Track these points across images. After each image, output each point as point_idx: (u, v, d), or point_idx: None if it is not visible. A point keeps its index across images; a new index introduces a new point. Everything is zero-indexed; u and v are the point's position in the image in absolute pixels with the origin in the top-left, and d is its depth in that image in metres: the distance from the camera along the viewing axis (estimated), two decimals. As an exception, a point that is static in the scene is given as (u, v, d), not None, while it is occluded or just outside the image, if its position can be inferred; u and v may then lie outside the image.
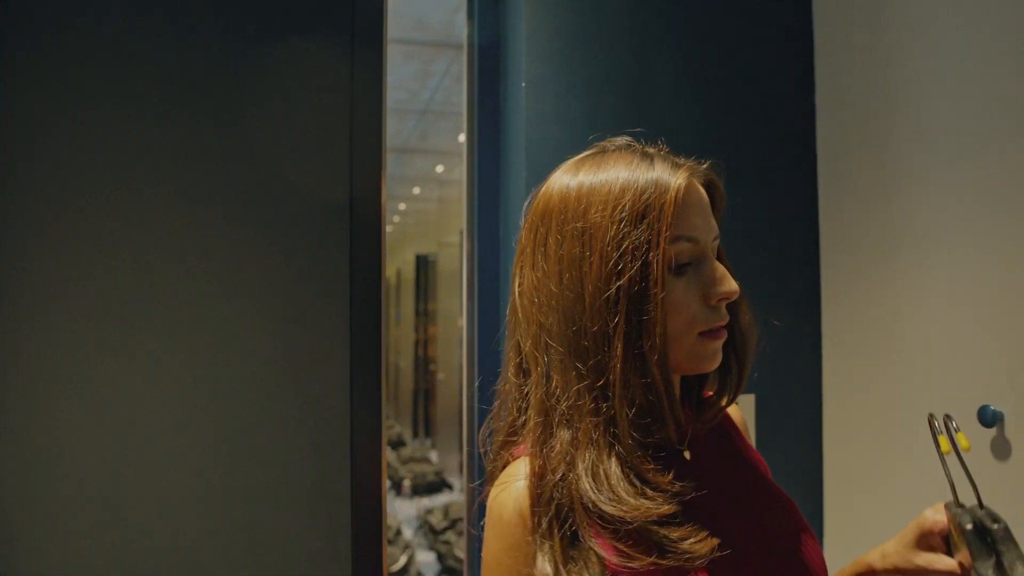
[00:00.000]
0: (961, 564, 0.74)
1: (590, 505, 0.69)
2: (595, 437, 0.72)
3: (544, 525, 0.71)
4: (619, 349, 0.71)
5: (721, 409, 0.82)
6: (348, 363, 1.23)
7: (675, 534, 0.69)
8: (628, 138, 0.82)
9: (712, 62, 1.53)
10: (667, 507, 0.69)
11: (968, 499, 0.76)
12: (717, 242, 0.77)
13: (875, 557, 0.85)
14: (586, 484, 0.70)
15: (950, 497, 0.79)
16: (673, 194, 0.72)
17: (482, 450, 0.85)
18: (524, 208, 0.82)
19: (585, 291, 0.72)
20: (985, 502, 0.75)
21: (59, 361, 1.17)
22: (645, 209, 0.72)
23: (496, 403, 0.83)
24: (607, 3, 1.48)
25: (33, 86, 1.26)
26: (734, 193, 1.29)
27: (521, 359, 0.79)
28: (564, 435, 0.73)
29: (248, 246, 1.23)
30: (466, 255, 1.57)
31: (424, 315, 7.65)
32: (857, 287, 1.45)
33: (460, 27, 1.60)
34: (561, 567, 0.69)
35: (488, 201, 1.52)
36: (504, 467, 0.79)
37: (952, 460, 0.78)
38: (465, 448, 1.54)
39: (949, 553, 0.78)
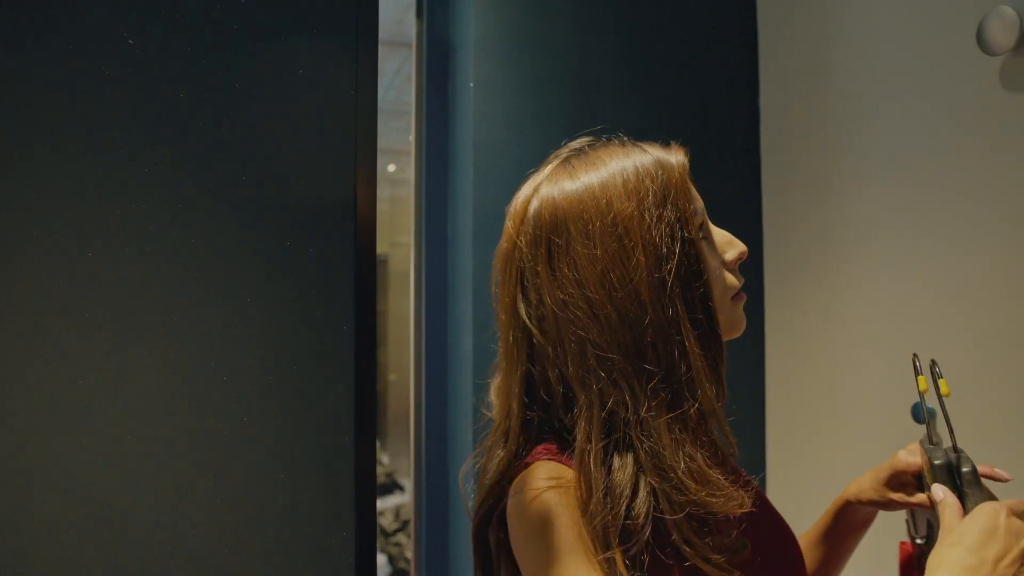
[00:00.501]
0: (930, 499, 0.75)
1: (694, 507, 0.65)
2: (680, 436, 0.67)
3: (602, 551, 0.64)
4: (690, 332, 0.69)
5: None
6: (352, 360, 1.22)
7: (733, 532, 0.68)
8: (589, 137, 0.81)
9: (657, 61, 1.55)
10: (750, 498, 0.67)
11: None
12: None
13: (852, 491, 0.90)
14: (691, 484, 0.65)
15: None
16: (679, 170, 0.73)
17: (464, 493, 0.81)
18: (514, 227, 0.75)
19: (640, 284, 0.68)
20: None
21: (53, 359, 1.14)
22: (664, 189, 0.71)
23: (487, 441, 0.78)
24: (554, 3, 1.49)
25: (25, 83, 1.22)
26: None
27: (554, 387, 0.72)
28: (641, 448, 0.67)
29: (251, 246, 1.19)
30: (414, 256, 1.56)
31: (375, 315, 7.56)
32: (798, 280, 1.48)
33: (410, 26, 1.58)
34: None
35: (437, 202, 1.51)
36: (511, 483, 0.72)
37: (931, 400, 0.81)
38: (412, 450, 1.53)
39: (920, 491, 0.83)
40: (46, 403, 1.12)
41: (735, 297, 0.76)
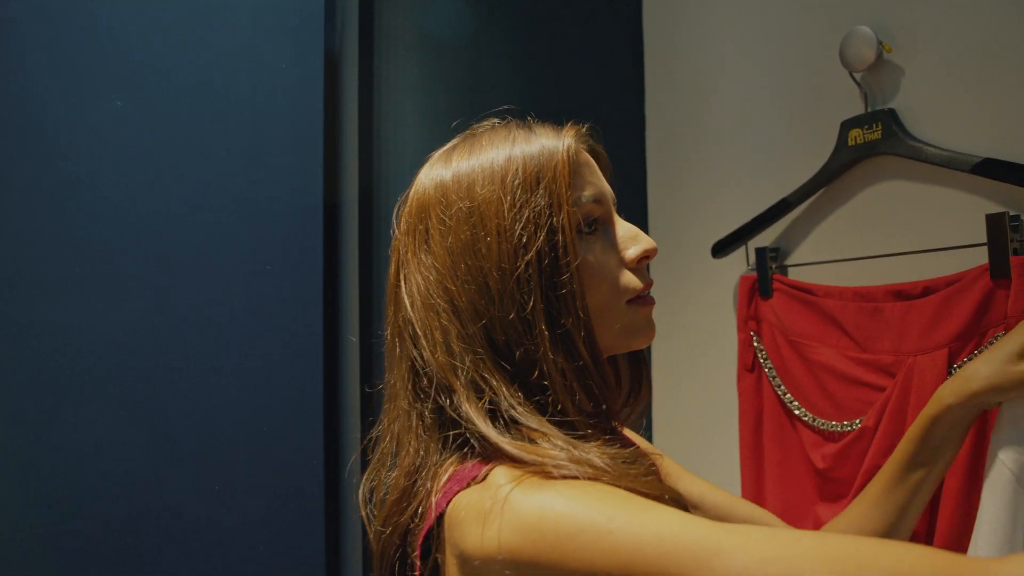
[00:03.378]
0: None
1: None
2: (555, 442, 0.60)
3: None
4: (544, 333, 0.61)
5: (643, 404, 0.76)
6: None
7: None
8: (495, 119, 0.74)
9: (544, 61, 1.56)
10: (645, 469, 0.61)
11: None
12: (616, 205, 0.71)
13: (949, 392, 0.75)
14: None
15: None
16: (564, 154, 0.66)
17: (366, 513, 0.68)
18: (395, 217, 0.73)
19: (488, 277, 0.62)
20: None
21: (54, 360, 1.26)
22: (538, 173, 0.64)
23: (379, 452, 0.70)
24: (444, 3, 1.48)
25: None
26: None
27: (428, 378, 0.64)
28: (527, 445, 0.59)
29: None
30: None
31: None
32: (681, 286, 1.53)
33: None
34: None
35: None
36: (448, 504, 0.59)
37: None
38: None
39: None
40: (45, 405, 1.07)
41: (633, 301, 0.67)
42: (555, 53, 1.58)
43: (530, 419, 0.60)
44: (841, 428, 1.11)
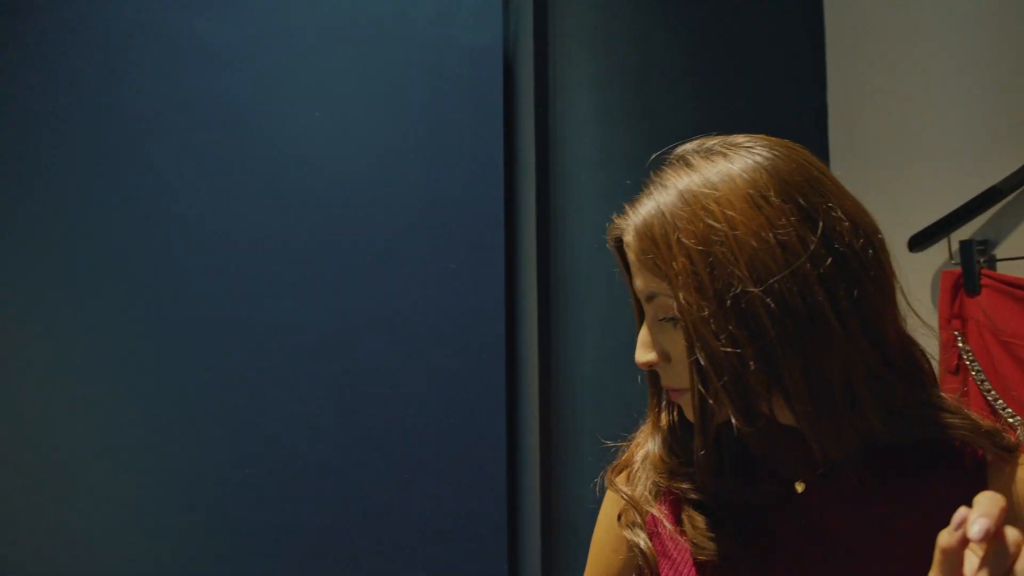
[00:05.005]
0: None
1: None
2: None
3: None
4: None
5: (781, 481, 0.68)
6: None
7: (699, 521, 0.68)
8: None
9: (720, 55, 1.52)
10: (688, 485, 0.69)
11: None
12: (658, 299, 0.65)
13: None
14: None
15: None
16: (611, 245, 0.72)
17: None
18: None
19: None
20: None
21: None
22: None
23: None
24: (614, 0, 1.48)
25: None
26: None
27: None
28: None
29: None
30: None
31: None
32: None
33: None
34: None
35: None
36: None
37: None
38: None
39: None
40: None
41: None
42: (730, 43, 1.53)
43: None
44: (1062, 439, 1.00)
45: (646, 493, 0.73)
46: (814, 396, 0.60)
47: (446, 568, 1.34)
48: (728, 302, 0.59)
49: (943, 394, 0.67)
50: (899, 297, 0.67)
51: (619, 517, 0.75)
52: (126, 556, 1.34)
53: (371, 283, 1.39)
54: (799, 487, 0.67)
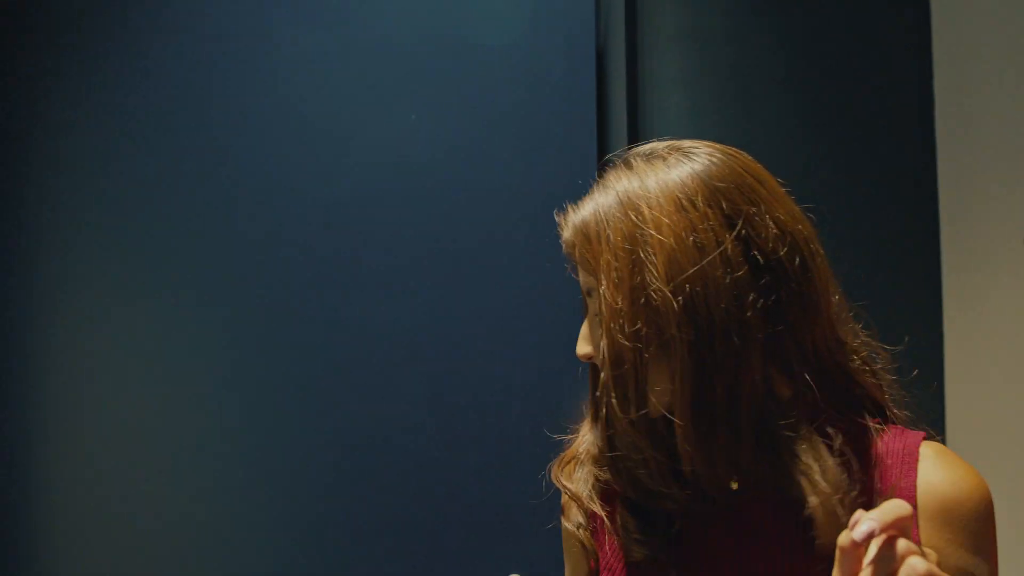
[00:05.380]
0: None
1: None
2: None
3: None
4: None
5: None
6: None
7: (630, 522, 0.70)
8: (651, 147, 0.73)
9: (817, 47, 1.46)
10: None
11: None
12: (594, 295, 0.68)
13: None
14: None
15: None
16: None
17: None
18: None
19: None
20: None
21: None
22: None
23: None
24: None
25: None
26: (842, 198, 1.36)
27: None
28: None
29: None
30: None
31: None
32: (983, 296, 1.37)
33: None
34: None
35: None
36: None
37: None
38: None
39: None
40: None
41: None
42: (826, 36, 1.46)
43: None
44: None
45: (588, 489, 0.74)
46: (696, 408, 0.62)
47: (546, 568, 1.37)
48: (641, 299, 0.62)
49: (895, 411, 0.71)
50: (836, 306, 0.69)
51: (561, 512, 0.77)
52: (238, 553, 1.43)
53: (468, 283, 1.41)
54: (734, 484, 0.66)
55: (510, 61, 1.43)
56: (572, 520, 0.76)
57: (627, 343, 0.62)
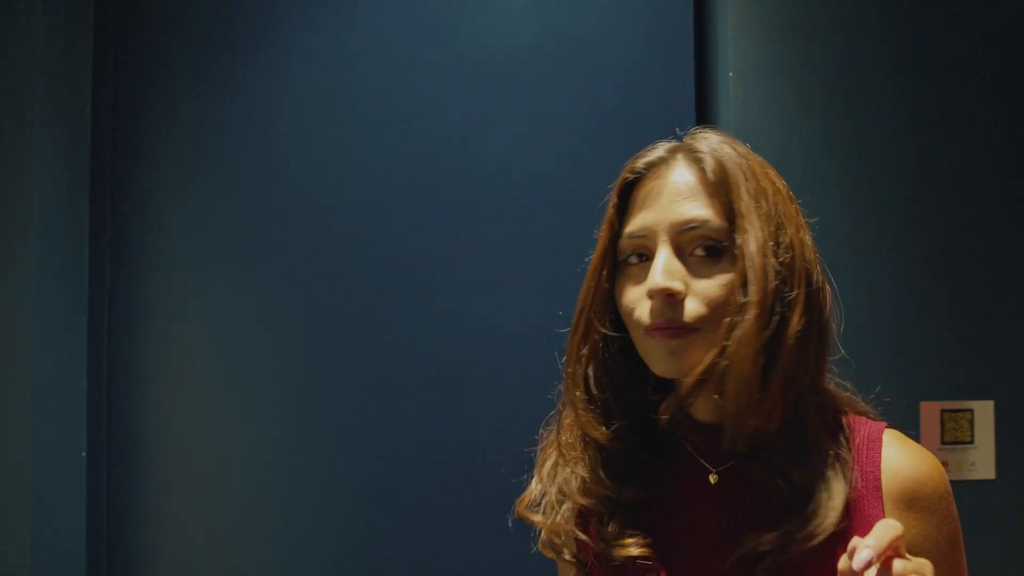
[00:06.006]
0: None
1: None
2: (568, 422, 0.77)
3: None
4: (591, 342, 0.74)
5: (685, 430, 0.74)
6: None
7: (609, 529, 0.71)
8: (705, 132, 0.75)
9: (931, 40, 1.40)
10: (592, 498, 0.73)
11: None
12: (697, 230, 0.68)
13: None
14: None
15: None
16: (617, 186, 0.74)
17: None
18: None
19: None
20: None
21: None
22: (608, 200, 0.75)
23: None
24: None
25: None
26: (960, 188, 1.34)
27: None
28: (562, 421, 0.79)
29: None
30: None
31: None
32: None
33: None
34: None
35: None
36: None
37: None
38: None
39: None
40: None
41: (643, 331, 0.69)
42: (939, 26, 1.40)
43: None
44: None
45: (559, 518, 0.75)
46: (787, 374, 0.65)
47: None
48: (780, 256, 0.66)
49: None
50: None
51: (542, 546, 0.77)
52: (296, 554, 1.46)
53: (569, 286, 1.45)
54: (712, 479, 0.71)
55: (610, 67, 1.44)
56: (552, 549, 0.76)
57: (772, 290, 0.65)
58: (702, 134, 0.73)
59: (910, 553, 0.59)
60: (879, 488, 0.68)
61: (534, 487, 0.79)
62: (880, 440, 0.70)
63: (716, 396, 0.66)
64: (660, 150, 0.73)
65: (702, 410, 0.72)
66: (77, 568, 1.46)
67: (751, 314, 0.64)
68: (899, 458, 0.69)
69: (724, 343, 0.64)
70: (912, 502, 0.68)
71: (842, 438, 0.70)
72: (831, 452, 0.68)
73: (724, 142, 0.71)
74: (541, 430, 0.83)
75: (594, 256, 0.73)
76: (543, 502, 0.77)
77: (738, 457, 0.70)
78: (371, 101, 1.49)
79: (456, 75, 1.48)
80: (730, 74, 1.37)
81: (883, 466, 0.69)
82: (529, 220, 1.45)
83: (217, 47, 1.53)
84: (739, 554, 0.66)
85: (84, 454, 1.50)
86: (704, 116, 1.47)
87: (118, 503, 1.51)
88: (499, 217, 1.45)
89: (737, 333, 0.64)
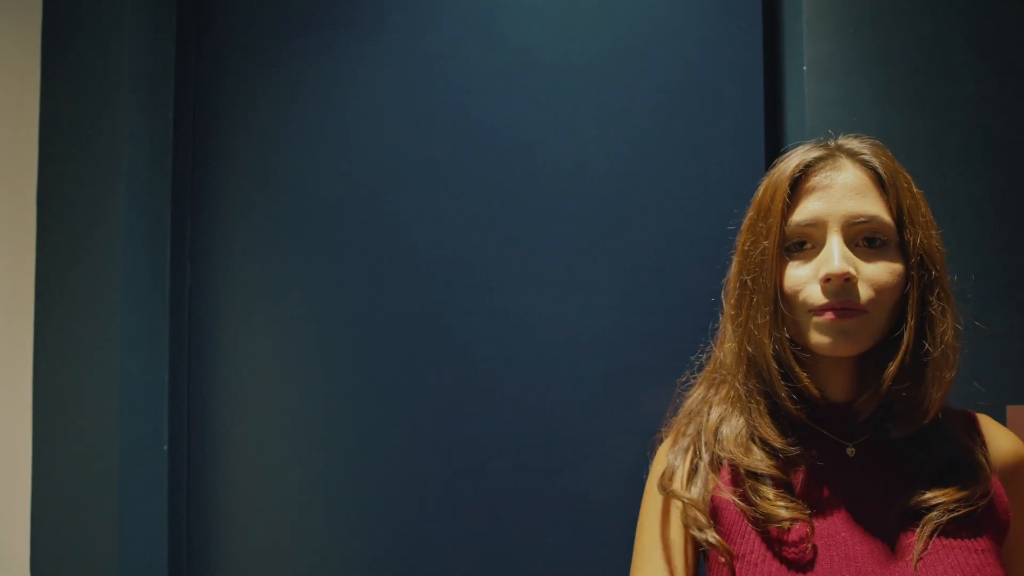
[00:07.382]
0: None
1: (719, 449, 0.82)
2: (731, 394, 0.84)
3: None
4: (741, 324, 0.82)
5: (863, 420, 0.80)
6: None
7: (768, 492, 0.77)
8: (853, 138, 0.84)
9: (1019, 33, 1.33)
10: (765, 466, 0.78)
11: None
12: (867, 224, 0.76)
13: None
14: (724, 431, 0.82)
15: None
16: (779, 177, 0.80)
17: None
18: None
19: (734, 270, 0.85)
20: None
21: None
22: (763, 194, 0.82)
23: None
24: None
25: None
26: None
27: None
28: (720, 391, 0.87)
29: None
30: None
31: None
32: None
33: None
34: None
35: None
36: None
37: None
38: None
39: None
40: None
41: (812, 311, 0.76)
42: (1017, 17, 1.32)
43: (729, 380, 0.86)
44: None
45: (703, 491, 0.80)
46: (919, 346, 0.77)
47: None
48: (930, 250, 0.77)
49: None
50: None
51: (683, 522, 0.81)
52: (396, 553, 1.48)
53: (644, 285, 1.42)
54: (850, 451, 0.80)
55: (680, 65, 1.42)
56: (692, 523, 0.79)
57: (938, 272, 0.77)
58: (854, 138, 0.83)
59: (1017, 519, 0.78)
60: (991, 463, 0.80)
61: (672, 461, 0.86)
62: (977, 423, 0.83)
63: (908, 383, 0.76)
64: (815, 150, 0.81)
65: (837, 390, 0.81)
66: (159, 552, 1.53)
67: (948, 313, 0.77)
68: (999, 438, 0.82)
69: (923, 340, 0.76)
70: (1016, 475, 0.81)
71: (960, 416, 0.83)
72: (962, 429, 0.81)
73: (877, 146, 0.81)
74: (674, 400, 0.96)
75: (763, 244, 0.79)
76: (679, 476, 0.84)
77: (869, 432, 0.80)
78: (446, 107, 1.51)
79: (527, 78, 1.49)
80: (804, 68, 1.33)
81: (989, 445, 0.81)
82: (601, 222, 1.44)
83: (290, 56, 1.57)
84: (907, 505, 0.75)
85: (166, 447, 1.57)
86: (773, 112, 1.44)
87: (197, 493, 1.57)
88: (571, 220, 1.45)
89: (940, 328, 0.75)
